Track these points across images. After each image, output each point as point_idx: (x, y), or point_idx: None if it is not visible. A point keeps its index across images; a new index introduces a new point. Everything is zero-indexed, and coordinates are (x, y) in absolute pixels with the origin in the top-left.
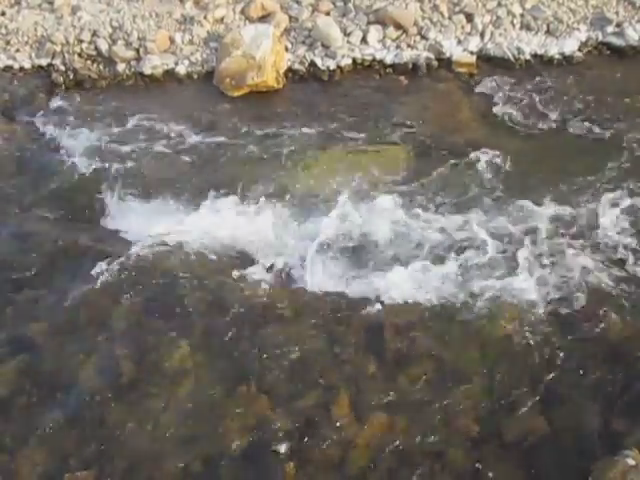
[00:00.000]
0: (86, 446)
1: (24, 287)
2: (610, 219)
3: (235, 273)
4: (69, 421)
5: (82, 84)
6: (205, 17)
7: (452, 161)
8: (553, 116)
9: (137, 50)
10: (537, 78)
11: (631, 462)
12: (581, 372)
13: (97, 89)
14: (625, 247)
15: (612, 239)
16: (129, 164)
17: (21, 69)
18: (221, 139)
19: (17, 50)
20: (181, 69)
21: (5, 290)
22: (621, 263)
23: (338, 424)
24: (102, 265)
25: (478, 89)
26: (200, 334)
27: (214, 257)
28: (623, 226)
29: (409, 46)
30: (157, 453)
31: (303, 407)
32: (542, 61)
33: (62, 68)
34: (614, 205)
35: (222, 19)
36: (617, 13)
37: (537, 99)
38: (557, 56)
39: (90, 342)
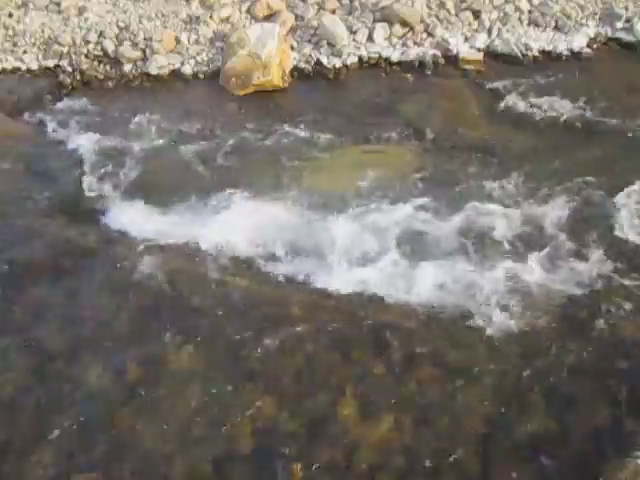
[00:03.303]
0: (94, 448)
1: (31, 288)
2: (621, 215)
3: (242, 273)
4: (77, 423)
5: (89, 85)
6: (211, 17)
7: (460, 159)
8: (562, 113)
9: (143, 50)
10: (545, 75)
11: None
12: (591, 372)
13: (104, 90)
14: (637, 244)
15: (624, 236)
16: (136, 164)
17: (28, 70)
18: (227, 139)
19: (24, 52)
20: (187, 69)
21: (12, 291)
22: (631, 261)
23: (345, 425)
24: (109, 266)
25: (485, 86)
26: (207, 335)
27: (221, 257)
28: (634, 222)
29: (415, 43)
30: (164, 454)
31: (310, 407)
32: (550, 57)
33: (69, 69)
34: (625, 201)
35: (228, 18)
36: (626, 8)
37: (545, 96)
38: (565, 52)
39: (97, 343)
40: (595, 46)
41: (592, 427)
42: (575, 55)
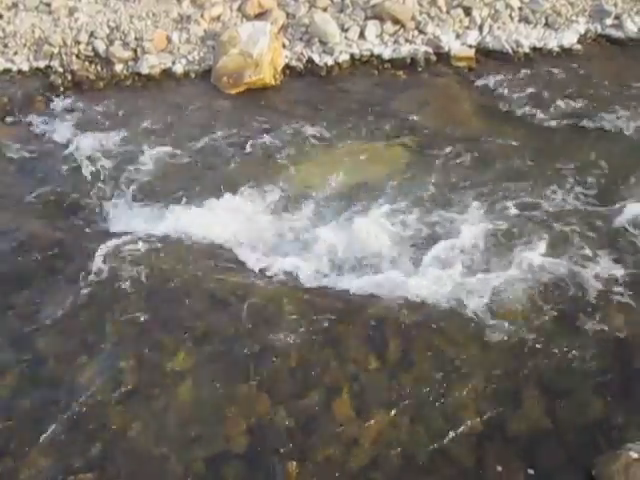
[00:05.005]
0: (88, 449)
1: (24, 290)
2: (615, 212)
3: (234, 272)
4: (71, 424)
5: (80, 85)
6: (202, 15)
7: (452, 156)
8: (553, 109)
9: (134, 50)
10: (536, 71)
11: (634, 455)
12: (583, 366)
13: (95, 90)
14: (630, 242)
15: (619, 233)
16: (127, 165)
17: (19, 72)
18: (219, 138)
19: (15, 53)
20: (178, 68)
21: (5, 293)
22: (624, 258)
23: (340, 423)
24: (102, 266)
25: (477, 83)
26: (201, 334)
27: (213, 257)
28: (629, 219)
29: (407, 41)
30: (159, 454)
31: (305, 406)
32: (541, 54)
33: (60, 70)
34: (619, 197)
35: (219, 17)
36: (615, 5)
37: (536, 92)
38: (556, 49)
39: (90, 344)
40: (585, 42)
41: (585, 421)
42: (565, 51)
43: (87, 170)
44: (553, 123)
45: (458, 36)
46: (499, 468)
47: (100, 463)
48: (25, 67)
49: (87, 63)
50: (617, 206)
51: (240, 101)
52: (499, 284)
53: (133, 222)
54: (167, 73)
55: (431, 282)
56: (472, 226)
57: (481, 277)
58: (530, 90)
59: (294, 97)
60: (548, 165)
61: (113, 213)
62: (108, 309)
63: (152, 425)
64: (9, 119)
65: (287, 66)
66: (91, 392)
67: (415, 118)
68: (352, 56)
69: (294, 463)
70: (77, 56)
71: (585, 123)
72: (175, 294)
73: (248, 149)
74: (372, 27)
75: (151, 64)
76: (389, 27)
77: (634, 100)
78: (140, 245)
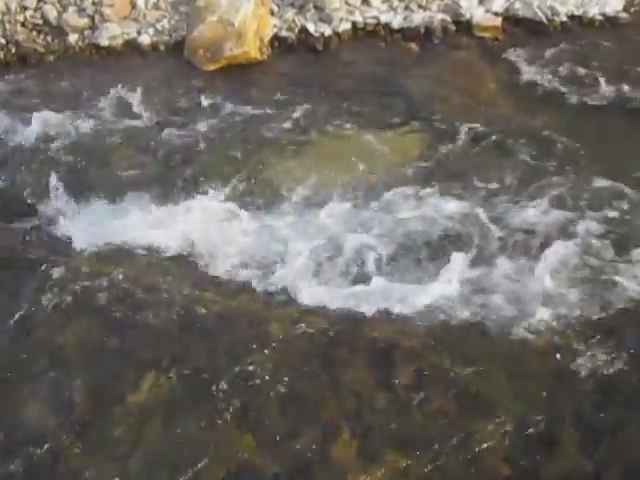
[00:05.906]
0: None
1: None
2: None
3: (212, 285)
4: (12, 469)
5: (26, 59)
6: None
7: (474, 144)
8: (594, 87)
9: (92, 17)
10: (574, 44)
11: None
12: (630, 400)
13: (44, 65)
14: None
15: None
16: (82, 155)
17: None
18: (193, 123)
19: None
20: (145, 39)
21: None
22: None
23: (339, 468)
24: (51, 278)
25: (504, 57)
26: (171, 360)
27: (185, 267)
28: None
29: (421, 7)
30: None
31: (296, 447)
32: (580, 23)
33: (2, 41)
34: None
35: None
36: None
37: (575, 68)
38: (598, 17)
39: (38, 372)
40: (632, 10)
41: (633, 464)
42: (609, 20)
43: (32, 161)
44: (594, 104)
45: (481, 1)
46: None
47: None
48: None
49: (35, 33)
50: None
51: (219, 79)
52: (529, 297)
53: (88, 224)
54: (131, 45)
55: (448, 292)
56: (494, 227)
57: (506, 288)
58: (567, 66)
59: (284, 74)
60: (589, 153)
61: (64, 213)
62: (57, 331)
63: (111, 470)
64: None
65: (276, 37)
66: (36, 430)
67: (430, 100)
68: (354, 25)
69: None
70: (23, 24)
71: (631, 104)
72: (139, 312)
73: (227, 138)
74: None
75: (111, 34)
76: None
77: None
78: (96, 252)
